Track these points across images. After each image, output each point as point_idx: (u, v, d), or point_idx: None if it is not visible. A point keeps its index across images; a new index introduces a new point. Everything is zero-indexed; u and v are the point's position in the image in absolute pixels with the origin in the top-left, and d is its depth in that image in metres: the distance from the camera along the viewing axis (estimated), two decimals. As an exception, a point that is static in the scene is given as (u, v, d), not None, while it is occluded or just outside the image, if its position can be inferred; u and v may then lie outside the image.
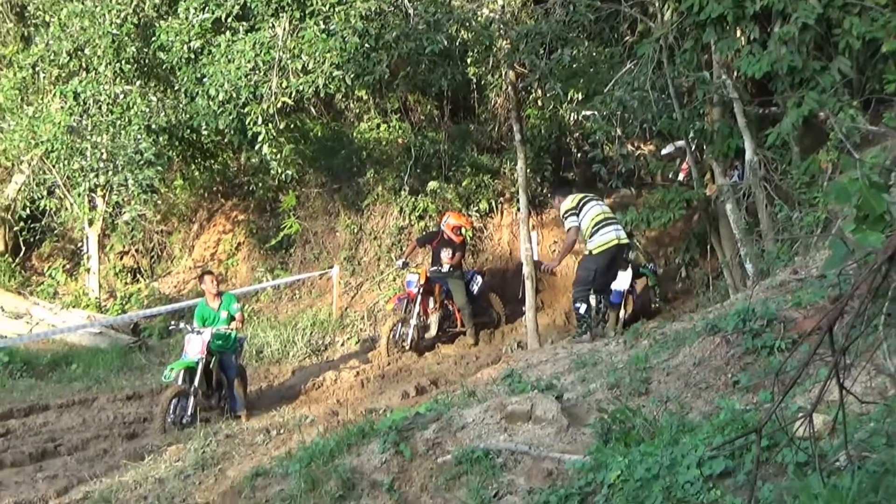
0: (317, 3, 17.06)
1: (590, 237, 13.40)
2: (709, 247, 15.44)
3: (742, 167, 14.61)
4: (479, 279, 17.78)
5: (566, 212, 13.51)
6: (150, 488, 10.95)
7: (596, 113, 16.08)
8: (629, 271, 13.11)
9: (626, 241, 13.77)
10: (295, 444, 10.73)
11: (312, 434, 11.01)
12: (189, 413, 14.07)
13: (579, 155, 20.63)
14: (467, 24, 17.87)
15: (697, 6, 12.04)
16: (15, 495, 11.56)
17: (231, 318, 15.00)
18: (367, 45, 17.05)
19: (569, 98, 18.77)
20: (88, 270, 21.98)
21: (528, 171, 18.27)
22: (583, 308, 13.47)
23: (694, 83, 14.17)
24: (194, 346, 14.32)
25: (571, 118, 20.43)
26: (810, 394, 6.07)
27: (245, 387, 15.31)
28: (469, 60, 18.79)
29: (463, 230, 17.98)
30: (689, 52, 13.49)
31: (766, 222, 13.36)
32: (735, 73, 13.57)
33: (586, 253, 13.57)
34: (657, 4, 14.92)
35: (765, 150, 13.22)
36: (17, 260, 23.12)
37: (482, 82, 20.35)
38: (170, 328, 16.98)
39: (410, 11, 17.36)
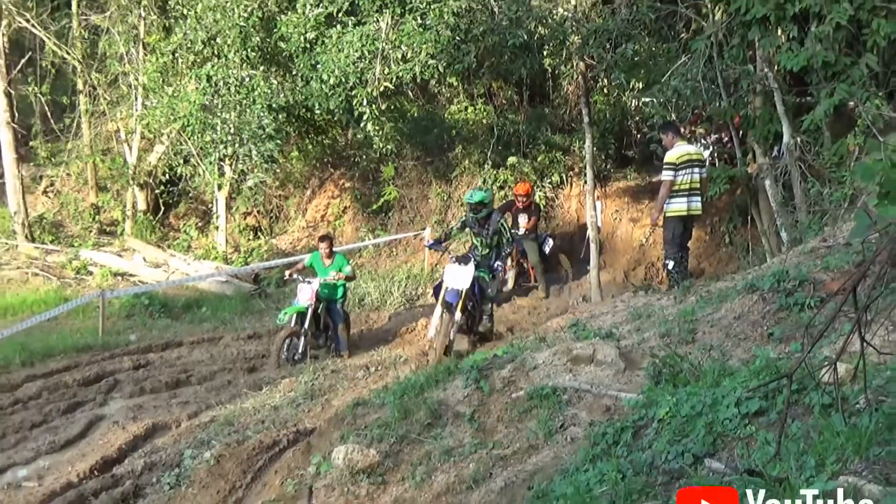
0: (416, 1, 17.38)
1: (670, 199, 13.29)
2: (749, 217, 15.37)
3: (779, 149, 14.34)
4: (551, 241, 17.58)
5: (667, 163, 13.27)
6: (267, 414, 11.50)
7: (654, 100, 15.82)
8: (469, 268, 12.58)
9: (698, 212, 13.47)
10: (390, 379, 11.28)
11: (405, 371, 11.66)
12: (300, 351, 14.40)
13: (638, 136, 20.36)
14: (544, 21, 17.92)
15: (744, 7, 12.03)
16: (153, 417, 12.10)
17: (338, 272, 15.20)
18: (457, 37, 17.43)
19: (630, 86, 18.18)
20: (217, 228, 22.21)
21: (594, 149, 17.88)
22: (671, 264, 13.36)
23: (739, 75, 13.86)
24: (305, 294, 14.62)
25: (632, 104, 20.20)
26: (835, 345, 5.99)
27: (348, 330, 15.39)
28: (545, 52, 18.57)
29: (532, 196, 17.87)
30: (735, 48, 13.52)
31: (799, 197, 13.26)
32: (775, 67, 13.24)
33: (666, 215, 13.44)
34: (709, 6, 14.65)
35: (800, 134, 13.08)
36: (157, 218, 23.50)
37: (556, 72, 20.05)
38: (284, 278, 17.01)
39: (496, 9, 17.67)
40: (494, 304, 13.17)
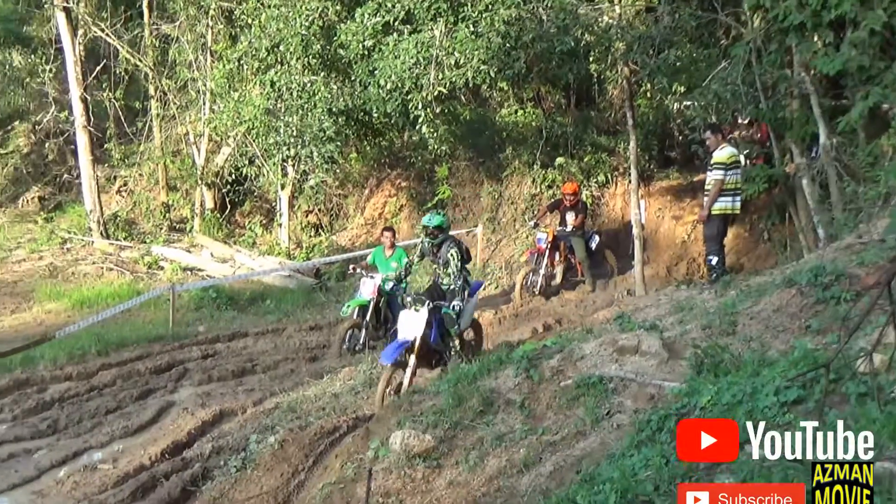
0: (468, 9, 17.41)
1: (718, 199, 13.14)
2: (787, 215, 15.01)
3: (816, 149, 14.25)
4: (597, 238, 17.38)
5: (717, 163, 13.07)
6: (328, 401, 11.69)
7: (695, 103, 15.66)
8: (422, 314, 10.94)
9: (738, 211, 13.43)
10: (441, 370, 11.33)
11: (459, 360, 11.37)
12: (361, 342, 14.51)
13: (680, 138, 20.12)
14: (590, 28, 17.82)
15: (782, 15, 11.86)
16: (220, 404, 12.32)
17: (398, 267, 15.13)
18: (508, 44, 17.37)
19: (673, 90, 18.22)
20: (280, 225, 22.28)
21: (638, 150, 17.67)
22: (714, 260, 13.22)
23: (777, 79, 13.77)
24: (368, 288, 14.71)
25: (674, 107, 19.88)
26: (870, 337, 5.87)
27: None
28: (591, 58, 18.61)
29: (579, 195, 17.61)
30: (774, 54, 13.32)
31: (835, 195, 13.09)
32: (812, 71, 13.00)
33: (712, 213, 13.28)
34: (748, 13, 14.20)
35: (836, 136, 12.93)
36: (223, 216, 23.79)
37: (601, 77, 19.98)
38: (347, 272, 17.59)
39: (544, 17, 17.67)
40: (459, 337, 11.58)
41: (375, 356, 13.42)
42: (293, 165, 20.91)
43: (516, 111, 21.34)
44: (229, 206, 23.85)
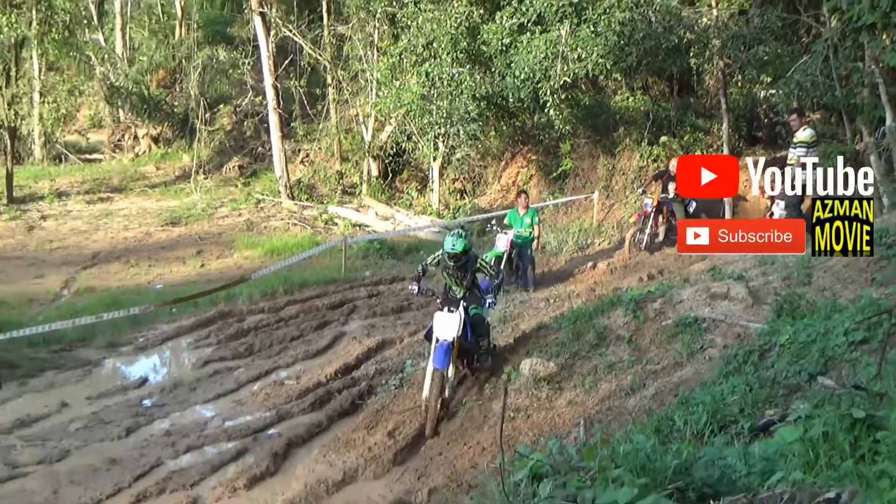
0: (589, 12, 18.02)
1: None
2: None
3: (883, 130, 14.03)
4: (694, 203, 17.10)
5: (800, 142, 13.02)
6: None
7: (779, 91, 15.88)
8: (456, 315, 9.47)
9: None
10: (566, 309, 11.53)
11: (577, 303, 11.85)
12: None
13: (766, 120, 19.92)
14: (691, 28, 18.42)
15: (856, 16, 12.05)
16: (382, 334, 13.02)
17: (530, 225, 15.39)
18: (622, 42, 17.98)
19: (760, 80, 18.43)
20: (432, 190, 22.63)
21: (730, 130, 18.39)
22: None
23: (851, 71, 14.00)
24: (502, 242, 15.20)
25: (761, 95, 19.78)
26: None
27: (534, 270, 15.77)
28: (691, 53, 18.72)
29: None
30: (848, 49, 13.70)
31: None
32: (881, 64, 13.33)
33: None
34: (826, 15, 14.61)
35: None
36: (385, 182, 24.15)
37: (699, 69, 19.89)
38: (485, 229, 17.99)
39: (652, 19, 18.26)
40: (490, 339, 10.17)
41: (509, 298, 14.04)
42: (443, 141, 21.10)
43: (627, 97, 21.22)
44: (390, 174, 24.13)
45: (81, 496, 8.63)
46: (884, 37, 12.75)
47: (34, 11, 23.21)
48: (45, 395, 11.50)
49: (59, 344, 13.24)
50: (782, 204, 13.87)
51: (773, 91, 17.04)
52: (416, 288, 9.99)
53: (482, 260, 9.78)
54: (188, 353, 13.53)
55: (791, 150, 13.07)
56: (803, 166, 11.98)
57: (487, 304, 9.56)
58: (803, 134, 12.92)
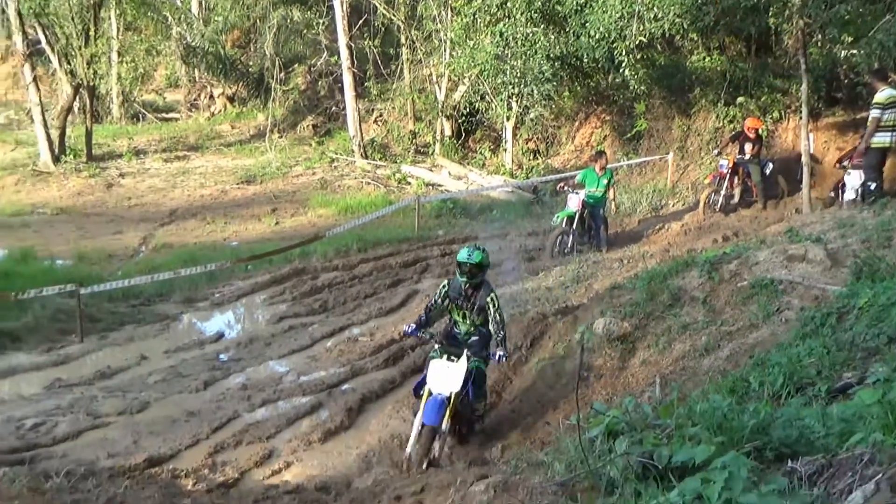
0: None
1: (875, 133, 12.89)
2: None
3: None
4: (771, 165, 17.12)
5: (876, 103, 12.85)
6: (542, 293, 12.14)
7: (860, 51, 15.03)
8: (460, 365, 7.74)
9: (894, 145, 12.92)
10: (640, 269, 11.54)
11: (651, 263, 11.89)
12: (569, 246, 14.87)
13: (846, 81, 18.78)
14: None
15: None
16: None
17: (605, 186, 15.44)
18: (699, 1, 16.92)
19: (841, 40, 17.30)
20: (505, 150, 22.34)
21: (809, 90, 16.74)
22: (873, 186, 12.89)
23: None
24: (574, 202, 15.01)
25: (842, 55, 18.60)
26: None
27: (607, 230, 15.64)
28: (770, 13, 17.31)
29: (759, 130, 17.19)
30: None
31: None
32: None
33: (871, 146, 13.01)
34: None
35: None
36: (459, 142, 23.96)
37: (778, 29, 18.44)
38: (557, 189, 17.42)
39: None
40: (487, 402, 8.54)
41: (581, 258, 14.10)
42: (517, 101, 20.80)
43: (704, 57, 20.63)
44: (463, 134, 23.98)
45: (161, 446, 8.78)
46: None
47: None
48: (125, 348, 11.79)
49: (138, 299, 13.61)
50: (855, 174, 13.77)
51: (855, 51, 16.30)
52: (410, 328, 8.10)
53: (494, 297, 7.96)
54: (263, 309, 13.71)
55: (871, 111, 12.88)
56: (881, 127, 12.87)
57: (497, 358, 7.84)
58: (881, 95, 12.73)
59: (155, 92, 32.35)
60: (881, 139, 12.79)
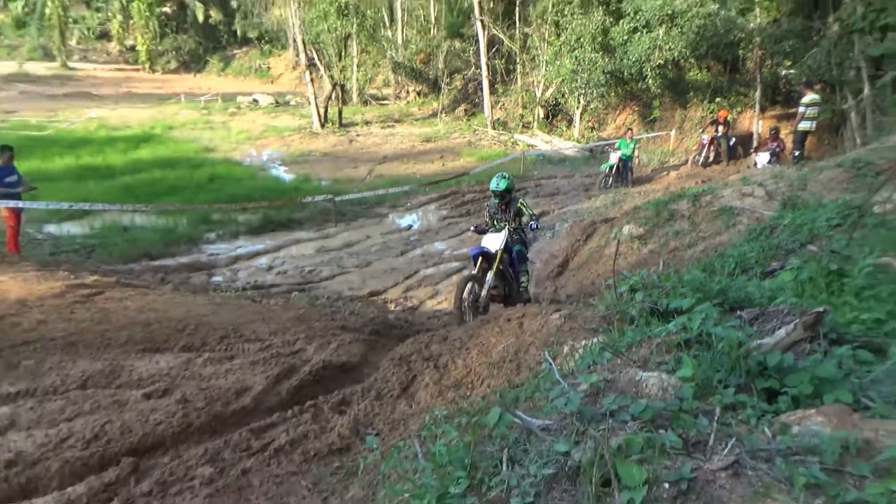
0: (679, 20, 16.78)
1: (801, 122, 11.99)
2: (839, 132, 14.14)
3: (861, 96, 12.93)
4: (734, 139, 16.37)
5: (802, 103, 12.00)
6: (593, 209, 12.28)
7: (796, 71, 14.65)
8: (502, 234, 6.95)
9: (813, 129, 12.09)
10: (650, 198, 11.07)
11: (658, 195, 11.37)
12: (609, 184, 15.05)
13: (784, 89, 17.94)
14: (742, 29, 16.89)
15: (851, 24, 11.60)
16: (543, 207, 12.83)
17: (632, 149, 15.40)
18: (697, 38, 16.72)
19: (783, 63, 16.61)
20: (574, 127, 21.98)
21: (760, 94, 16.94)
22: (797, 154, 12.08)
23: (843, 59, 12.90)
24: (613, 157, 15.35)
25: (783, 73, 17.53)
26: (884, 195, 5.24)
27: (632, 175, 15.77)
28: (740, 46, 17.15)
29: (727, 118, 16.39)
30: (844, 44, 12.60)
31: (869, 121, 12.68)
32: (864, 55, 12.19)
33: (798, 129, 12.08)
34: (831, 21, 13.27)
35: (874, 89, 12.17)
36: (548, 121, 23.13)
37: (744, 56, 18.04)
38: (603, 151, 18.32)
39: (718, 24, 17.16)
40: (529, 281, 7.43)
41: (616, 190, 14.01)
42: (583, 98, 20.56)
43: (696, 73, 19.86)
44: (550, 117, 23.31)
45: (377, 285, 9.12)
46: (868, 36, 12.04)
47: (354, 18, 23.91)
48: (359, 231, 12.03)
49: (365, 205, 13.67)
50: (762, 156, 13.78)
51: (792, 71, 16.35)
52: (474, 226, 7.42)
53: (523, 202, 7.14)
54: (434, 212, 13.58)
55: (800, 108, 12.55)
56: (805, 118, 12.65)
57: (531, 226, 6.95)
58: (806, 98, 12.35)
59: (376, 88, 31.89)
60: (804, 125, 12.37)
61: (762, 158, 14.34)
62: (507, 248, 6.80)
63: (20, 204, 8.84)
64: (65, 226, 11.27)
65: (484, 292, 6.52)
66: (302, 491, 3.21)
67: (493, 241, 6.76)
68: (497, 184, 6.92)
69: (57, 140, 18.86)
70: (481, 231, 7.09)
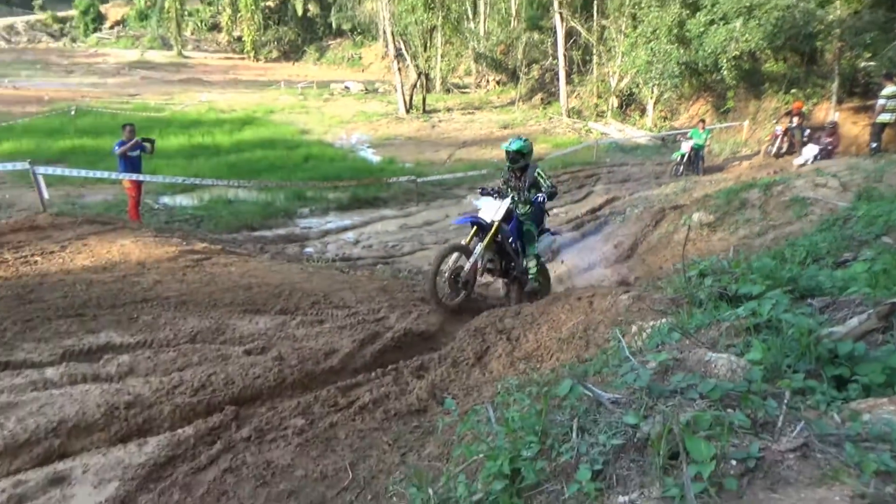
0: (757, 11, 16.01)
1: (880, 114, 11.55)
2: None
3: None
4: (808, 130, 15.47)
5: (882, 95, 11.57)
6: (663, 196, 11.87)
7: (876, 63, 14.07)
8: (505, 202, 5.80)
9: (892, 122, 11.42)
10: (721, 187, 10.77)
11: (729, 184, 11.06)
12: (680, 172, 14.59)
13: (862, 81, 17.04)
14: (821, 21, 16.05)
15: None
16: (613, 193, 12.67)
17: (704, 139, 14.95)
18: (775, 29, 15.86)
19: (862, 55, 15.80)
20: (647, 116, 21.86)
21: (838, 86, 16.20)
22: (874, 146, 11.68)
23: None
24: (685, 146, 14.86)
25: (861, 65, 16.81)
26: None
27: (703, 163, 15.18)
28: (819, 38, 16.44)
29: (802, 109, 15.66)
30: None
31: None
32: None
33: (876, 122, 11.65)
34: None
35: None
36: (621, 111, 22.89)
37: (823, 48, 17.13)
38: (675, 139, 17.91)
39: (797, 16, 16.06)
40: (543, 261, 6.23)
41: (687, 178, 13.70)
42: (657, 88, 20.29)
43: (772, 64, 19.06)
44: (624, 106, 23.10)
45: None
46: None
47: (440, 11, 24.09)
48: (438, 210, 11.97)
49: (445, 186, 13.60)
50: (810, 147, 13.19)
51: (872, 63, 15.44)
52: (481, 189, 5.99)
53: (541, 172, 5.79)
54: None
55: (879, 100, 11.98)
56: (885, 110, 12.19)
57: (536, 198, 5.78)
58: (887, 90, 11.80)
59: (458, 77, 32.03)
60: (884, 117, 11.89)
61: (809, 151, 13.53)
62: (508, 220, 5.65)
63: (142, 177, 9.26)
64: (178, 198, 11.68)
65: (467, 266, 5.37)
66: (383, 446, 3.28)
67: (490, 210, 5.60)
68: (510, 143, 5.83)
69: (172, 121, 19.69)
70: (486, 195, 5.83)
